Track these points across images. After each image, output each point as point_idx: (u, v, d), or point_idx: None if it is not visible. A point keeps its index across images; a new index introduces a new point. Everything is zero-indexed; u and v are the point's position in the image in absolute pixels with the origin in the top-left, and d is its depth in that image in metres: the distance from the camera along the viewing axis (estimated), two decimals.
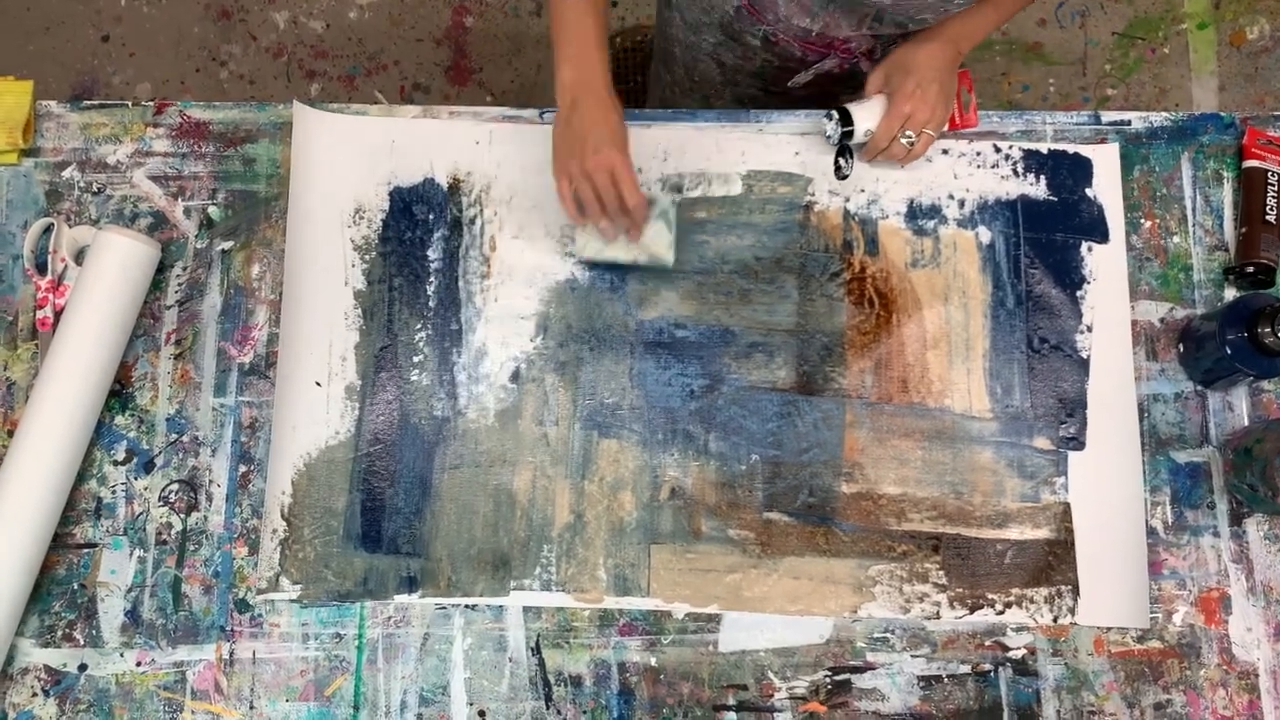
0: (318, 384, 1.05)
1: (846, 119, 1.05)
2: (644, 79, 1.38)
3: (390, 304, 1.07)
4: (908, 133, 1.04)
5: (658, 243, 1.05)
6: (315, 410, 1.04)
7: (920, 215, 1.10)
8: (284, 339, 1.06)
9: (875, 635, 1.00)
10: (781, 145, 1.11)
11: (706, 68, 1.23)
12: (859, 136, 1.06)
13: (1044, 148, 1.12)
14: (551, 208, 1.09)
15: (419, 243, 1.09)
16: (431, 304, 1.07)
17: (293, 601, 1.00)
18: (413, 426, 1.04)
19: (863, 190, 1.10)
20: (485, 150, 1.11)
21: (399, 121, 1.12)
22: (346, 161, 1.10)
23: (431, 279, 1.08)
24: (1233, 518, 1.03)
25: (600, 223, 1.01)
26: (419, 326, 1.07)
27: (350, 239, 1.09)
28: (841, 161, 1.09)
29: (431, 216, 1.10)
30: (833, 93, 1.21)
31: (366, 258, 1.08)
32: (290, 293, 1.07)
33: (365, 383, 1.05)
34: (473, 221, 1.10)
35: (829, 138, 1.08)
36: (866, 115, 1.06)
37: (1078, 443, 1.05)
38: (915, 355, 1.06)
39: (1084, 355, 1.07)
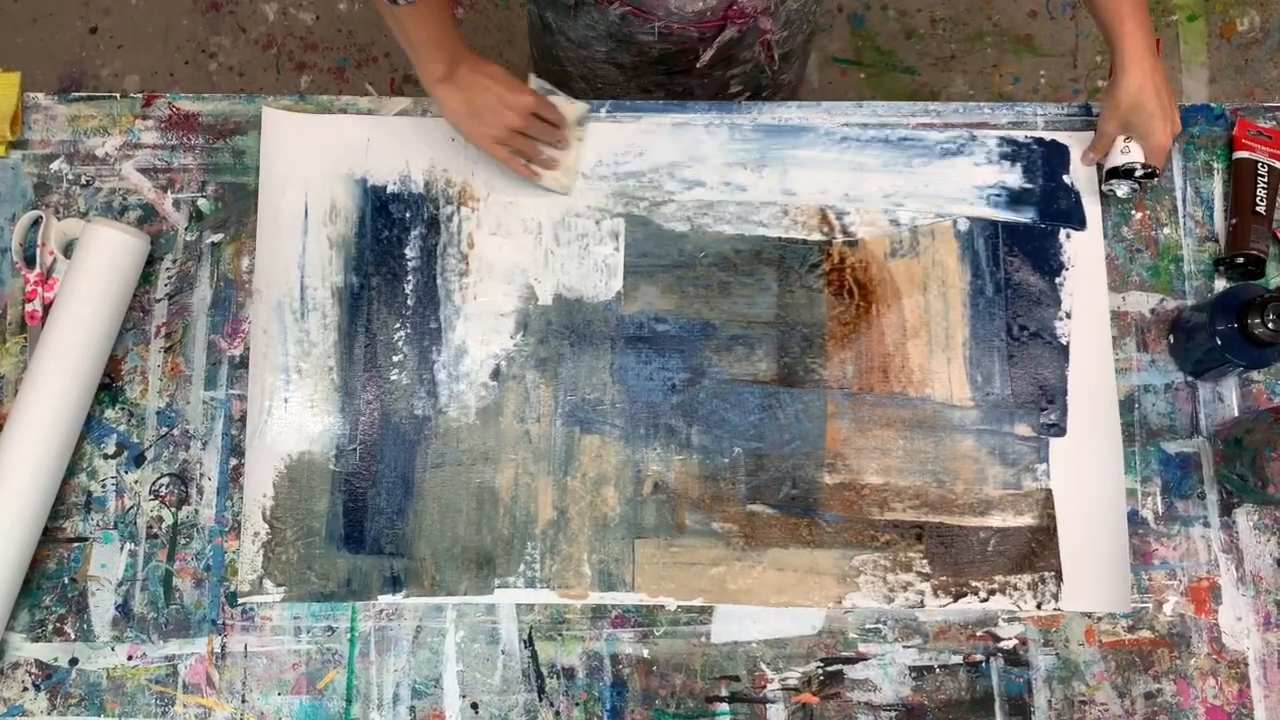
0: (291, 384, 1.04)
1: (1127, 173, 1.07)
2: None
3: (368, 303, 1.07)
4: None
5: (580, 159, 1.10)
6: (293, 411, 1.04)
7: (898, 205, 1.10)
8: (257, 340, 1.05)
9: (867, 626, 1.01)
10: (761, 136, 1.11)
11: (606, 72, 1.22)
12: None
13: (1021, 135, 1.12)
14: (529, 203, 1.09)
15: (396, 241, 1.09)
16: (410, 302, 1.07)
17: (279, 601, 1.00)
18: (393, 426, 1.04)
19: (840, 181, 1.10)
20: (461, 147, 1.11)
21: (373, 120, 1.11)
22: (320, 161, 1.09)
23: (409, 277, 1.08)
24: (1223, 508, 1.04)
25: (544, 157, 1.08)
26: (398, 325, 1.07)
27: (326, 238, 1.08)
28: (1140, 183, 1.08)
29: (408, 214, 1.09)
30: (734, 55, 1.20)
31: (343, 257, 1.08)
32: (263, 293, 1.06)
33: (344, 383, 1.05)
34: (450, 219, 1.09)
35: (1124, 197, 1.09)
36: (1125, 156, 1.06)
37: (1059, 429, 1.05)
38: (895, 345, 1.07)
39: (1063, 342, 1.07)
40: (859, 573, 1.01)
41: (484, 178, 1.10)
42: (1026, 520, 1.03)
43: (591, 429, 1.04)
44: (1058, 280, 1.08)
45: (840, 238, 1.09)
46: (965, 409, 1.05)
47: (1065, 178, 1.11)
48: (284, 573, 1.01)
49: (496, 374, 1.06)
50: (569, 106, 1.08)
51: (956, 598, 1.01)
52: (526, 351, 1.06)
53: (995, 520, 1.03)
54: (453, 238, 1.09)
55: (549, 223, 1.09)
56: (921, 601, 1.01)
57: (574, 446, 1.04)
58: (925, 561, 1.02)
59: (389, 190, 1.10)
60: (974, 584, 1.01)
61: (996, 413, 1.05)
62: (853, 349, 1.06)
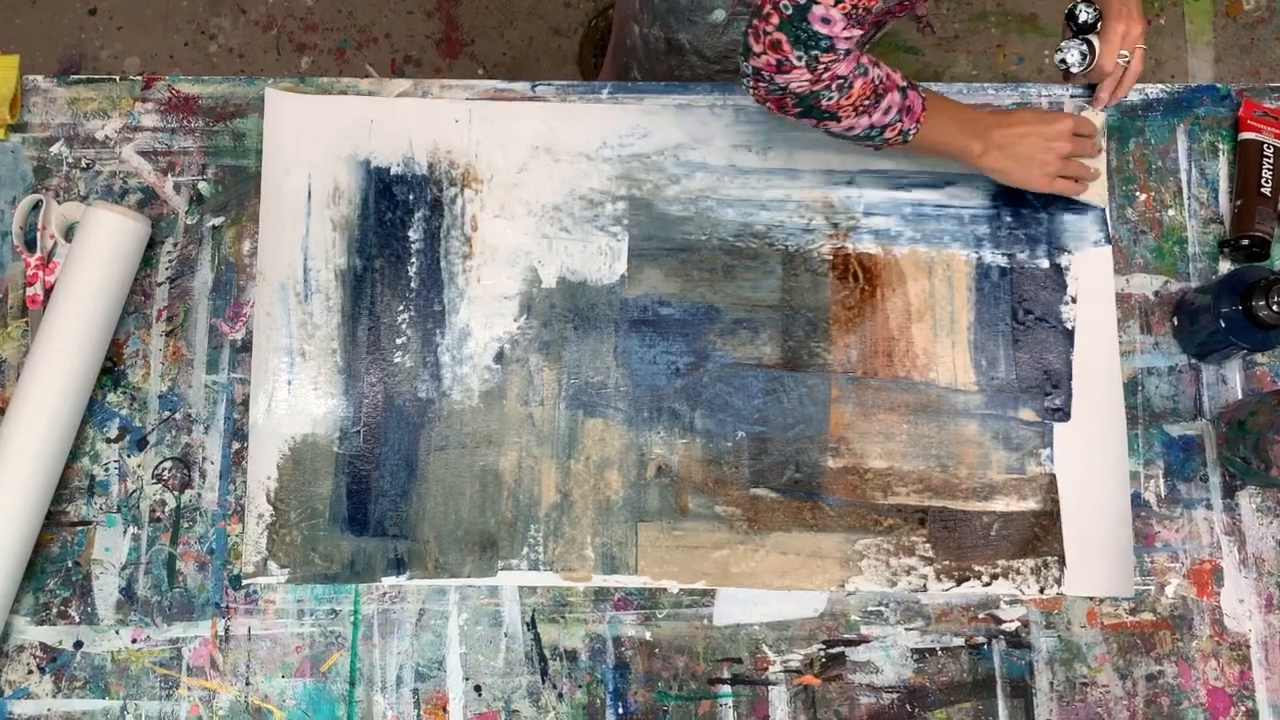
0: (295, 367, 1.04)
1: (1093, 49, 1.05)
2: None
3: (372, 285, 1.07)
4: (1122, 52, 1.05)
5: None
6: (297, 394, 1.04)
7: (902, 188, 1.09)
8: (260, 323, 1.05)
9: (869, 609, 1.01)
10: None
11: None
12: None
13: None
14: (533, 185, 1.09)
15: (399, 223, 1.08)
16: (413, 285, 1.07)
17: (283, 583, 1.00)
18: (397, 409, 1.04)
19: (845, 164, 1.10)
20: (465, 129, 1.10)
21: (377, 101, 1.11)
22: (323, 143, 1.09)
23: (413, 260, 1.07)
24: (1225, 490, 1.04)
25: (1090, 172, 1.06)
26: (401, 308, 1.06)
27: (330, 220, 1.08)
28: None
29: (411, 197, 1.09)
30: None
31: (346, 239, 1.08)
32: (266, 275, 1.06)
33: (348, 365, 1.05)
34: (453, 201, 1.09)
35: (1068, 68, 1.07)
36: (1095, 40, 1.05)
37: (1063, 414, 1.05)
38: (900, 329, 1.06)
39: (1068, 326, 1.07)
40: (862, 557, 1.01)
41: (488, 160, 1.09)
42: (1030, 505, 1.03)
43: (595, 412, 1.04)
44: (1063, 264, 1.08)
45: (845, 221, 1.08)
46: (969, 393, 1.05)
47: None
48: (288, 554, 1.01)
49: (500, 357, 1.05)
50: (1095, 114, 1.09)
51: (959, 582, 1.01)
52: (530, 334, 1.06)
53: (998, 505, 1.03)
54: (456, 220, 1.08)
55: (553, 205, 1.08)
56: (924, 586, 1.01)
57: (577, 430, 1.04)
58: (928, 546, 1.02)
59: (392, 172, 1.09)
60: (977, 568, 1.01)
61: (1000, 397, 1.05)
62: (857, 333, 1.06)
